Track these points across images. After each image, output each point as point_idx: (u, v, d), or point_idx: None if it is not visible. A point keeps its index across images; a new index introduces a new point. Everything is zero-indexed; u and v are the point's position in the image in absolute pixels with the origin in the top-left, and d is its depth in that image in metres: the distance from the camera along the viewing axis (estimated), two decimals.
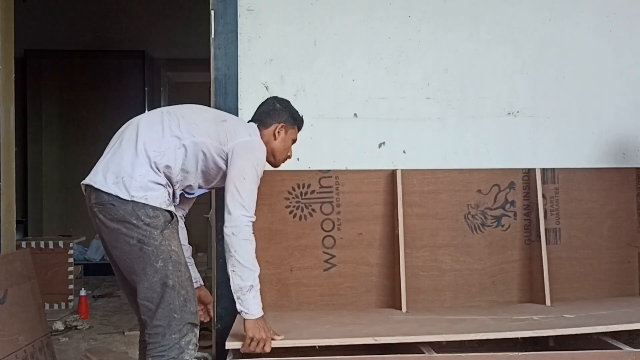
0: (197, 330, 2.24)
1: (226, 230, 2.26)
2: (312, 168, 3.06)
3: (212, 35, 3.03)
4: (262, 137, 2.45)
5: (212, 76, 3.04)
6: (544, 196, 3.14)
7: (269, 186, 2.87)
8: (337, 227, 3.05)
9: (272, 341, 2.31)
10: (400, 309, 2.94)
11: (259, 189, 2.37)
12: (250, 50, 3.06)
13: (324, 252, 3.05)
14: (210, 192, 2.65)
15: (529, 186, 3.16)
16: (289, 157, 2.61)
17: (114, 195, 2.14)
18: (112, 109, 6.82)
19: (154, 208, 2.17)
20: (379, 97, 3.15)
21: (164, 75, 7.52)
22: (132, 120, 2.36)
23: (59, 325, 4.28)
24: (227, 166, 2.33)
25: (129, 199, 2.14)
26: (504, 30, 3.22)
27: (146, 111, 6.91)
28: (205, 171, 2.35)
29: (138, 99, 7.00)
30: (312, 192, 3.05)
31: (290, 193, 3.04)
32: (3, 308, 2.92)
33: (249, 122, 2.56)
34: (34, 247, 4.84)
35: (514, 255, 3.15)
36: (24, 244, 4.80)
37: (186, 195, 2.42)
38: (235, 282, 2.26)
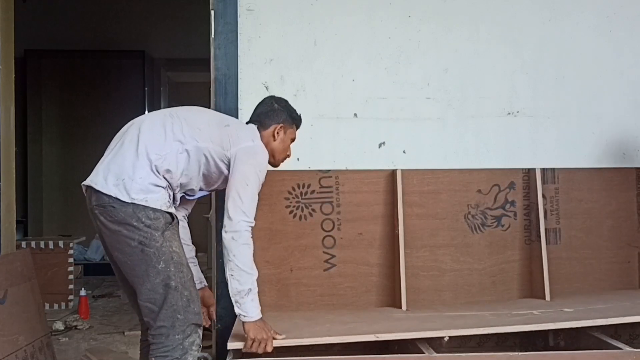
0: (200, 331, 2.25)
1: (226, 235, 2.26)
2: (312, 168, 3.06)
3: (212, 35, 3.03)
4: (261, 139, 2.45)
5: (212, 76, 3.04)
6: (544, 196, 3.14)
7: (269, 186, 2.87)
8: (337, 227, 3.05)
9: (274, 340, 2.31)
10: (401, 308, 2.94)
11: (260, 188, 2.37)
12: (250, 50, 3.06)
13: (324, 252, 3.05)
14: (210, 193, 2.65)
15: (529, 186, 3.16)
16: (288, 156, 2.61)
17: (114, 197, 2.14)
18: (112, 109, 6.81)
19: (154, 210, 2.16)
20: (379, 97, 3.15)
21: (164, 75, 7.52)
22: (133, 121, 2.35)
23: (59, 325, 4.28)
24: (229, 171, 2.33)
25: (129, 201, 2.14)
26: (504, 30, 3.22)
27: (146, 111, 6.98)
28: (207, 175, 2.35)
29: (138, 99, 7.00)
30: (312, 192, 3.05)
31: (290, 193, 3.04)
32: (3, 308, 2.92)
33: (247, 123, 2.56)
34: (34, 247, 4.84)
35: (514, 255, 3.15)
36: (24, 244, 4.79)
37: (187, 197, 2.42)
38: (233, 286, 2.26)
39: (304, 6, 3.10)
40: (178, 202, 2.35)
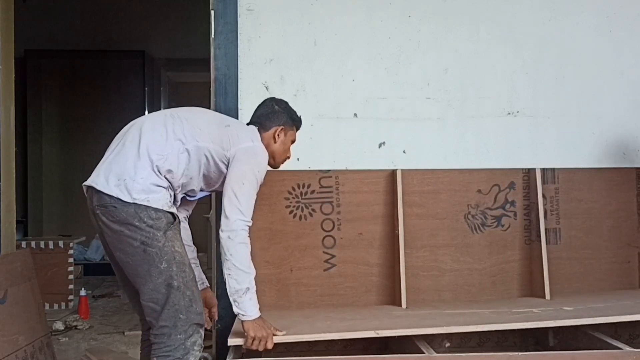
0: (202, 331, 2.25)
1: (222, 234, 2.26)
2: (312, 168, 3.06)
3: (212, 35, 3.03)
4: (262, 140, 2.45)
5: (212, 76, 3.04)
6: (544, 196, 3.14)
7: (269, 186, 2.87)
8: (337, 227, 3.05)
9: (274, 337, 2.32)
10: (401, 306, 2.94)
11: (259, 189, 2.37)
12: (250, 50, 3.06)
13: (324, 252, 3.05)
14: (210, 194, 2.65)
15: (529, 186, 3.16)
16: (288, 157, 2.61)
17: (116, 198, 2.14)
18: (112, 109, 6.81)
19: (156, 210, 2.16)
20: (379, 97, 3.15)
21: (164, 75, 7.52)
22: (134, 122, 2.35)
23: (59, 325, 4.27)
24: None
25: (131, 201, 2.14)
26: (504, 30, 3.22)
27: (146, 111, 6.99)
28: (207, 175, 2.35)
29: (138, 99, 7.00)
30: (312, 192, 3.05)
31: (290, 193, 3.04)
32: (3, 308, 2.92)
33: (247, 124, 2.56)
34: (34, 247, 4.84)
35: (514, 255, 3.15)
36: (24, 244, 4.79)
37: (188, 197, 2.42)
38: (231, 286, 2.26)
39: (304, 6, 3.11)
40: (179, 203, 2.35)
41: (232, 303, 2.28)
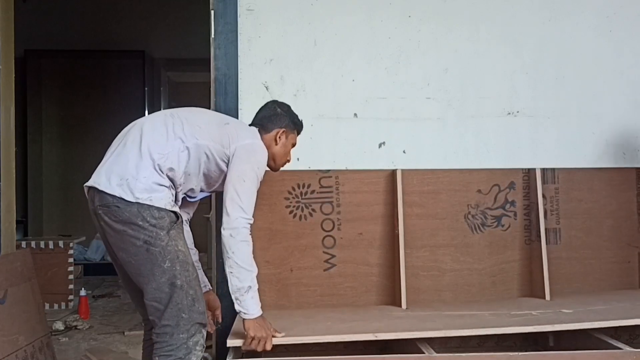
0: (204, 331, 2.25)
1: (224, 232, 2.26)
2: (312, 168, 3.06)
3: (212, 35, 3.03)
4: (263, 142, 2.46)
5: (212, 76, 3.04)
6: (544, 196, 3.14)
7: (269, 186, 2.88)
8: (337, 227, 3.06)
9: (273, 338, 2.32)
10: (401, 307, 2.94)
11: (259, 189, 2.37)
12: (250, 50, 3.06)
13: (324, 252, 3.05)
14: (211, 194, 2.65)
15: (529, 186, 3.16)
16: (288, 161, 2.62)
17: (118, 197, 2.14)
18: (112, 109, 6.81)
19: (159, 209, 2.17)
20: (379, 97, 3.15)
21: (164, 75, 7.52)
22: (135, 122, 2.36)
23: (59, 325, 4.27)
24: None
25: (134, 200, 2.14)
26: (504, 30, 3.22)
27: (146, 111, 6.98)
28: (207, 174, 2.35)
29: (138, 99, 7.00)
30: (312, 192, 3.05)
31: (290, 193, 3.04)
32: (3, 308, 2.92)
33: (249, 125, 2.56)
34: (34, 247, 4.84)
35: (514, 255, 3.15)
36: (24, 244, 4.79)
37: (188, 198, 2.43)
38: (233, 284, 2.27)
39: (304, 6, 3.11)
40: (180, 202, 2.35)
41: (234, 301, 2.28)
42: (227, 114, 2.88)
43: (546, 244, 3.09)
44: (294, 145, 2.60)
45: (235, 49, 3.03)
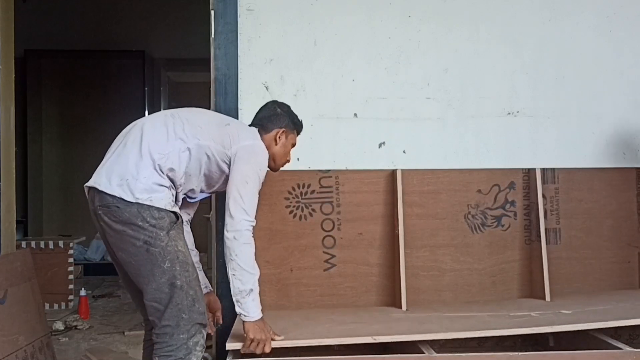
0: (204, 332, 2.24)
1: (227, 234, 2.27)
2: (312, 168, 3.06)
3: (212, 35, 3.03)
4: (263, 142, 2.46)
5: (212, 76, 3.04)
6: (544, 196, 3.14)
7: (269, 186, 2.88)
8: (337, 227, 3.06)
9: (272, 341, 2.33)
10: (401, 308, 2.94)
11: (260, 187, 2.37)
12: (250, 50, 3.06)
13: (324, 252, 3.05)
14: (211, 195, 2.65)
15: (529, 186, 3.16)
16: (288, 161, 2.62)
17: (118, 198, 2.14)
18: (112, 109, 6.81)
19: (158, 209, 2.17)
20: (379, 97, 3.15)
21: (164, 75, 7.52)
22: (135, 122, 2.35)
23: (59, 325, 4.27)
24: (229, 170, 2.34)
25: (134, 201, 2.14)
26: (504, 30, 3.22)
27: (146, 111, 6.97)
28: (208, 175, 2.35)
29: (138, 99, 6.99)
30: (312, 192, 3.05)
31: (290, 193, 3.04)
32: (3, 308, 2.92)
33: (249, 126, 2.56)
34: (34, 247, 4.84)
35: (514, 255, 3.15)
36: (24, 244, 4.79)
37: (188, 199, 2.42)
38: (235, 286, 2.27)
39: (304, 6, 3.11)
40: (180, 203, 2.35)
41: (235, 303, 2.28)
42: (227, 114, 2.88)
43: (546, 244, 3.09)
44: (293, 145, 2.60)
45: (235, 49, 3.03)
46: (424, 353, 2.37)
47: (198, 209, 2.61)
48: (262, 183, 2.38)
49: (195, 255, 2.45)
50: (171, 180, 2.23)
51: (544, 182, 3.15)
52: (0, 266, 3.01)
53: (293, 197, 3.04)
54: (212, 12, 3.02)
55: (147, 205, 2.15)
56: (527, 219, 3.16)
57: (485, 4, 3.22)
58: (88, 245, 6.53)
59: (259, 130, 2.50)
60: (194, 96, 6.74)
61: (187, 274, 2.20)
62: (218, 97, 3.02)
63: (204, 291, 2.41)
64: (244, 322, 2.30)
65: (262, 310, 2.32)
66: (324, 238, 3.05)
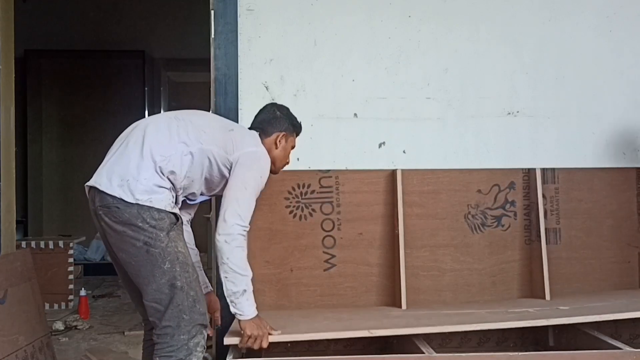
0: (205, 332, 2.25)
1: (219, 237, 2.26)
2: (312, 168, 3.06)
3: (212, 35, 3.03)
4: (264, 146, 2.46)
5: (212, 76, 3.03)
6: (544, 196, 3.14)
7: (269, 186, 2.86)
8: (337, 227, 3.05)
9: (270, 336, 2.33)
10: (400, 308, 2.94)
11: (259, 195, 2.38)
12: (250, 50, 3.06)
13: (324, 252, 3.05)
14: (211, 198, 2.65)
15: (529, 186, 3.16)
16: (287, 163, 2.63)
17: (119, 198, 2.14)
18: (112, 109, 6.82)
19: (159, 210, 2.17)
20: (379, 97, 3.15)
21: (164, 75, 7.52)
22: (137, 123, 2.35)
23: (59, 325, 4.27)
24: (229, 174, 2.34)
25: (134, 201, 2.14)
26: (504, 30, 3.22)
27: (146, 111, 6.97)
28: (209, 179, 2.35)
29: (138, 99, 7.00)
30: (312, 192, 3.05)
31: (290, 193, 3.04)
32: (3, 308, 2.92)
33: (249, 129, 2.56)
34: (34, 247, 4.84)
35: (514, 255, 3.15)
36: (24, 244, 4.79)
37: (188, 201, 2.43)
38: (228, 288, 2.27)
39: (304, 6, 3.10)
40: (179, 205, 2.35)
41: (230, 304, 2.29)
42: (227, 114, 2.89)
43: (546, 244, 3.09)
44: (293, 147, 2.61)
45: (235, 49, 3.03)
46: (423, 353, 2.37)
47: (198, 209, 2.61)
48: (262, 191, 2.38)
49: (195, 255, 2.46)
50: (171, 182, 2.23)
51: (544, 182, 3.15)
52: (0, 266, 3.01)
53: (293, 197, 3.04)
54: (212, 12, 3.02)
55: (147, 206, 2.15)
56: (527, 219, 3.16)
57: (485, 4, 3.22)
58: (88, 245, 6.53)
59: (259, 134, 2.50)
60: (194, 96, 6.75)
61: (188, 274, 2.20)
62: (218, 97, 3.02)
63: (205, 291, 2.41)
64: (239, 320, 2.31)
65: (261, 310, 2.33)
66: (324, 238, 3.05)
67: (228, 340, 2.37)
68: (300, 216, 3.04)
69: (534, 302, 2.97)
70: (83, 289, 4.75)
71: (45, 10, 6.59)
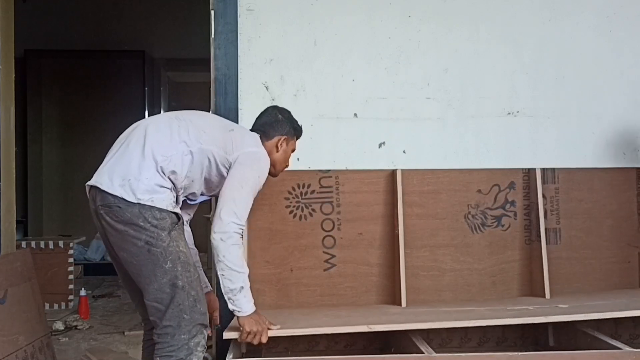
0: (206, 332, 2.25)
1: (214, 236, 2.25)
2: (312, 168, 3.06)
3: (212, 35, 3.03)
4: (264, 148, 2.46)
5: (212, 76, 3.04)
6: (544, 196, 3.14)
7: (269, 186, 2.87)
8: (337, 227, 3.05)
9: (269, 331, 2.34)
10: (400, 306, 2.94)
11: (257, 195, 2.37)
12: (250, 50, 3.06)
13: (324, 252, 3.05)
14: (210, 198, 2.66)
15: (529, 186, 3.16)
16: (287, 166, 2.63)
17: (120, 198, 2.15)
18: (112, 109, 6.82)
19: (160, 210, 2.17)
20: (379, 97, 3.15)
21: (164, 75, 7.52)
22: (139, 123, 2.36)
23: (59, 325, 4.28)
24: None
25: (135, 201, 2.14)
26: (504, 30, 3.22)
27: (146, 111, 6.97)
28: (209, 179, 2.35)
29: (138, 99, 7.00)
30: (312, 192, 3.05)
31: (290, 193, 3.04)
32: (3, 308, 2.92)
33: (250, 131, 2.56)
34: (34, 247, 4.84)
35: (514, 255, 3.15)
36: (24, 244, 4.79)
37: (189, 201, 2.43)
38: (225, 285, 2.27)
39: (304, 6, 3.10)
40: (180, 205, 2.35)
41: (227, 301, 2.29)
42: (227, 114, 2.89)
43: (546, 244, 3.09)
44: (293, 150, 2.62)
45: (235, 49, 3.03)
46: (423, 353, 2.37)
47: (198, 209, 2.61)
48: (260, 191, 2.38)
49: (195, 255, 2.46)
50: (172, 182, 2.23)
51: (544, 182, 3.15)
52: (0, 266, 3.01)
53: (293, 197, 3.04)
54: (212, 12, 3.02)
55: (148, 205, 2.15)
56: (527, 219, 3.16)
57: (485, 4, 3.22)
58: (88, 245, 6.53)
59: (260, 137, 2.50)
60: (194, 96, 6.74)
61: (189, 274, 2.21)
62: (218, 97, 3.02)
63: (205, 290, 2.41)
64: (238, 317, 2.31)
65: (261, 310, 2.33)
66: (324, 238, 3.05)
67: (228, 335, 2.37)
68: (300, 216, 3.04)
69: (534, 300, 2.97)
70: (83, 289, 4.75)
71: (45, 10, 6.59)
